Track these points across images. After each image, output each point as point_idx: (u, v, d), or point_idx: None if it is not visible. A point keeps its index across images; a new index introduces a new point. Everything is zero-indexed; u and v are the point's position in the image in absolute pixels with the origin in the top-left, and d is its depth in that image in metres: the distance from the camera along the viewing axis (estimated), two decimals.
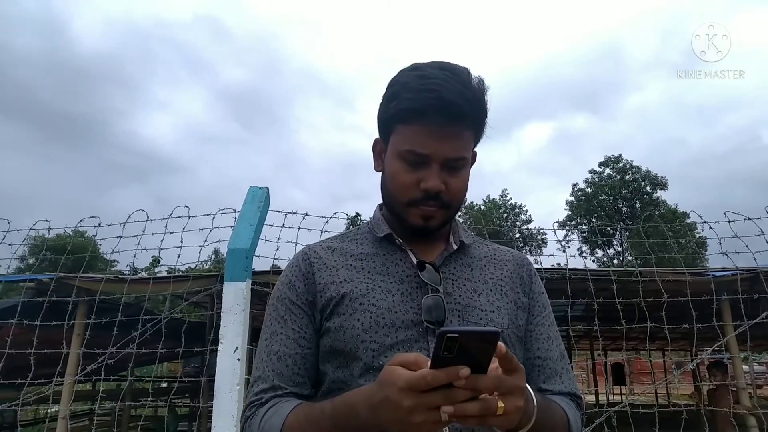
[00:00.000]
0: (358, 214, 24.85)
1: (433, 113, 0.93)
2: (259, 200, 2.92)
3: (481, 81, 0.99)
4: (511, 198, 46.30)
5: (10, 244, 4.64)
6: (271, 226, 3.39)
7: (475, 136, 1.02)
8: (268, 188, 3.02)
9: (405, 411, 0.68)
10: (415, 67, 0.99)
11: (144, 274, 5.02)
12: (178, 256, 3.63)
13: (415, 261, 1.04)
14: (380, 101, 1.04)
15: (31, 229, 4.76)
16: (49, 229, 4.68)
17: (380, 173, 1.08)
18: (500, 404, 0.68)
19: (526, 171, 73.45)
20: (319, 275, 1.05)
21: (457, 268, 1.06)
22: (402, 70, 1.01)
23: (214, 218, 3.57)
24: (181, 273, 4.89)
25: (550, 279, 4.62)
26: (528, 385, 0.78)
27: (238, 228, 2.80)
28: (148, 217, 4.36)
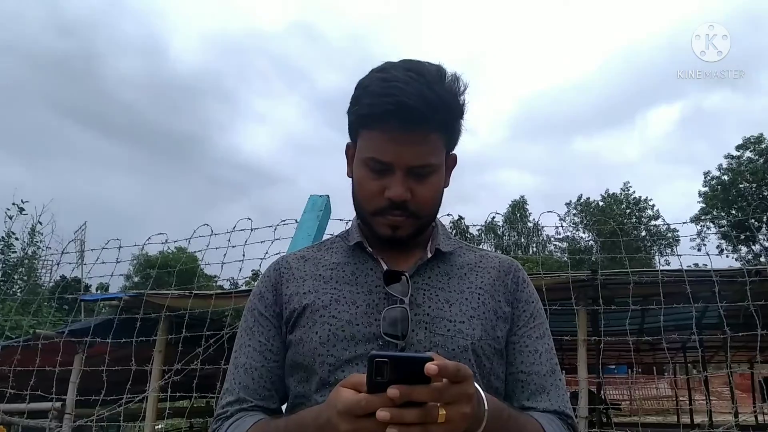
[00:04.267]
0: (461, 218, 24.04)
1: (392, 119, 0.94)
2: (319, 209, 2.95)
3: (455, 80, 0.98)
4: (634, 192, 43.64)
5: (118, 261, 4.98)
6: (332, 235, 3.42)
7: (446, 140, 1.02)
8: (328, 196, 3.05)
9: None
10: (381, 69, 1.00)
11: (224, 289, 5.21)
12: (240, 270, 3.75)
13: (384, 269, 1.04)
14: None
15: (143, 245, 5.10)
16: (166, 242, 4.98)
17: (351, 179, 1.09)
18: (442, 412, 0.68)
19: (654, 160, 68.53)
20: (286, 286, 1.07)
21: (432, 278, 1.06)
22: (371, 71, 1.02)
23: (275, 230, 3.65)
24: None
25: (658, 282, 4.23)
26: (479, 388, 0.79)
27: (295, 238, 2.85)
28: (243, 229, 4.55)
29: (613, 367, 18.88)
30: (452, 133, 1.03)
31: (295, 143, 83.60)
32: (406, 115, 0.92)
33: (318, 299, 1.02)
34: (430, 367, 0.66)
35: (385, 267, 1.04)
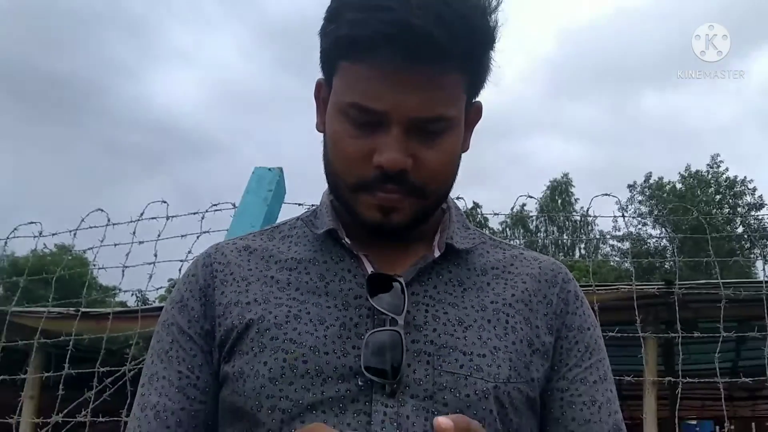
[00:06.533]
0: (476, 206, 19.42)
1: (388, 46, 0.72)
2: (268, 188, 2.42)
3: None
4: (727, 170, 35.24)
5: None
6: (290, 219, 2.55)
7: (469, 82, 0.81)
8: (281, 169, 2.51)
9: None
10: None
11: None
12: (150, 278, 3.11)
13: (369, 272, 0.83)
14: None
15: (6, 239, 4.10)
16: (40, 235, 3.96)
17: (323, 136, 0.88)
18: None
19: (756, 125, 55.92)
20: (222, 291, 0.85)
21: (439, 287, 0.85)
22: None
23: (203, 218, 2.98)
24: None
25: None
26: None
27: (233, 229, 2.34)
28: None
29: (695, 423, 16.49)
30: (478, 72, 0.82)
31: (234, 94, 63.49)
32: (410, 40, 0.71)
33: (268, 313, 0.80)
34: (443, 422, 0.58)
35: (370, 269, 0.84)
